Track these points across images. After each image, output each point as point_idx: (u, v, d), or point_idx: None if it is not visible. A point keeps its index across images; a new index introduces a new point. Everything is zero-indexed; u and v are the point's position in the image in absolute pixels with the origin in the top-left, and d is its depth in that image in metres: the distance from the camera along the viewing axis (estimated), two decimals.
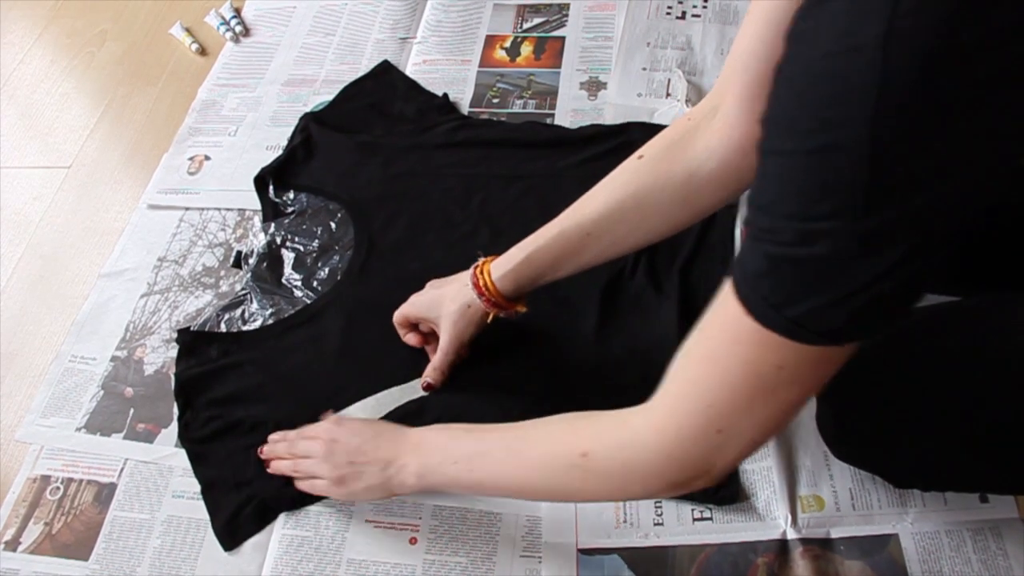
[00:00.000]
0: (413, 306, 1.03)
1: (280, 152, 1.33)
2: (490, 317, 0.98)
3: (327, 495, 0.93)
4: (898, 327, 0.52)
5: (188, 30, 1.60)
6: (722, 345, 0.57)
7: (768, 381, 0.56)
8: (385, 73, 1.45)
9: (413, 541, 0.95)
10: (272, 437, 0.98)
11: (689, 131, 0.83)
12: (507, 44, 1.48)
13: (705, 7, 1.48)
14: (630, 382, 1.00)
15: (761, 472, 0.95)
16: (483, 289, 0.95)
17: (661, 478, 0.65)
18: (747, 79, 0.75)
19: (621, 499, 0.82)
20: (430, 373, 1.02)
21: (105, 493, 1.03)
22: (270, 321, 1.13)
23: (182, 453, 1.04)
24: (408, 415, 1.02)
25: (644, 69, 1.39)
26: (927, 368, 0.76)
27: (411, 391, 1.04)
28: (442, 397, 1.03)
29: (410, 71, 1.46)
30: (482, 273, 0.95)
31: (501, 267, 0.94)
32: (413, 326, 1.06)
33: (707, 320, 0.59)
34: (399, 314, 1.05)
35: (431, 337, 1.05)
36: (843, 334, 0.52)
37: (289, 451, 0.95)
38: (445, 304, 0.99)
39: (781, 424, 0.61)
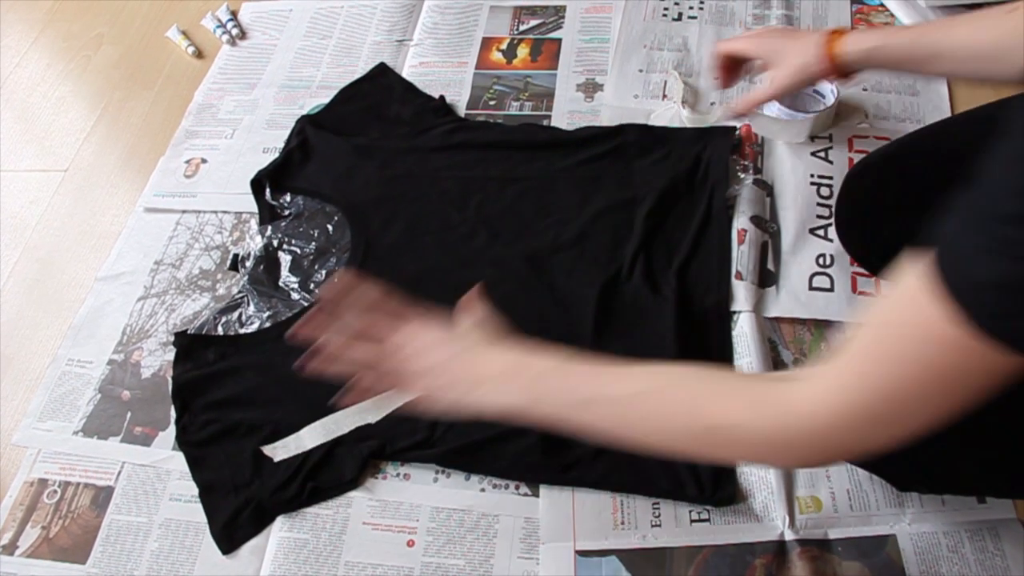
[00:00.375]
0: (756, 45, 1.05)
1: (277, 155, 1.33)
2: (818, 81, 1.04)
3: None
4: None
5: (184, 33, 1.60)
6: (912, 344, 0.55)
7: (951, 384, 0.54)
8: (381, 75, 1.44)
9: (411, 543, 0.95)
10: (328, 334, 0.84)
11: None
12: (504, 46, 1.48)
13: (701, 8, 1.48)
14: None
15: (758, 473, 0.95)
16: (833, 59, 0.96)
17: (816, 454, 0.63)
18: None
19: (750, 463, 0.80)
20: (744, 103, 1.08)
21: (102, 496, 1.03)
22: (267, 324, 1.13)
23: (179, 456, 1.04)
24: (406, 417, 1.02)
25: (640, 71, 1.39)
26: None
27: (408, 393, 1.03)
28: None
29: (406, 73, 1.45)
30: (832, 44, 0.96)
31: (854, 43, 0.95)
32: (730, 65, 1.08)
33: (890, 312, 0.57)
34: (736, 44, 1.06)
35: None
36: None
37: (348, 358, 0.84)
38: (790, 53, 1.01)
39: (939, 425, 0.58)
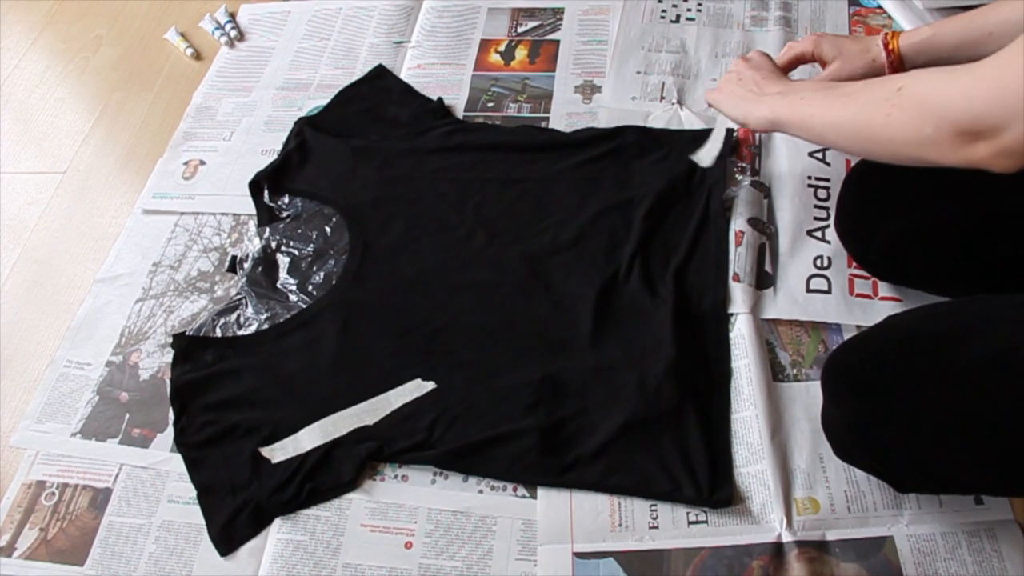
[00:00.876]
0: (820, 44, 1.11)
1: (275, 157, 1.33)
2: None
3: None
4: None
5: (183, 35, 1.60)
6: None
7: None
8: (380, 77, 1.45)
9: (408, 545, 0.96)
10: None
11: None
12: (502, 48, 1.48)
13: (699, 11, 1.49)
14: (627, 385, 1.01)
15: (756, 475, 0.96)
16: (892, 52, 1.03)
17: (956, 122, 0.70)
18: None
19: (912, 145, 0.79)
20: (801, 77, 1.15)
21: (100, 498, 1.03)
22: (265, 326, 1.13)
23: (178, 458, 1.04)
24: (404, 418, 1.02)
25: (639, 72, 1.39)
26: (935, 373, 0.76)
27: (406, 394, 1.04)
28: (439, 401, 1.03)
29: (405, 75, 1.46)
30: (892, 39, 1.03)
31: (908, 38, 1.03)
32: (791, 68, 1.15)
33: None
34: (801, 49, 1.13)
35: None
36: None
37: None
38: (851, 50, 1.08)
39: None
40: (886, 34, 1.04)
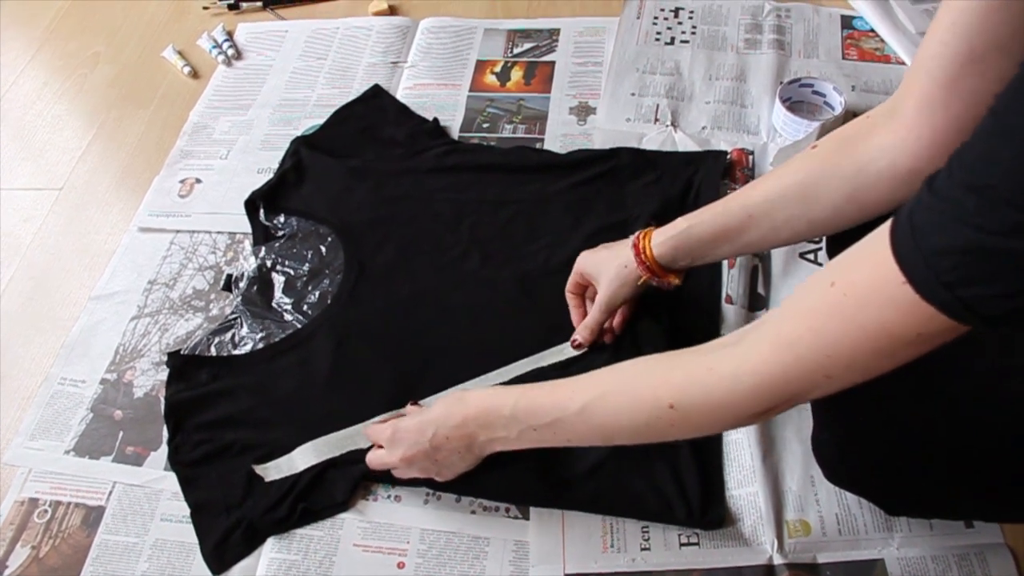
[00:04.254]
0: (582, 264, 1.06)
1: (271, 176, 1.34)
2: (641, 281, 1.00)
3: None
4: None
5: (180, 53, 1.61)
6: (863, 306, 0.56)
7: (899, 344, 0.56)
8: (376, 97, 1.45)
9: (401, 565, 0.96)
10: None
11: (865, 128, 0.82)
12: (497, 69, 1.49)
13: (694, 33, 1.50)
14: None
15: (747, 497, 0.96)
16: (641, 253, 0.97)
17: (750, 412, 0.67)
18: (929, 84, 0.74)
19: (711, 433, 0.82)
20: (580, 331, 1.06)
21: (93, 516, 1.03)
22: (260, 345, 1.13)
23: (171, 476, 1.04)
24: None
25: (633, 94, 1.41)
26: (925, 398, 0.77)
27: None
28: None
29: (401, 95, 1.46)
30: (643, 239, 0.97)
31: (661, 235, 0.96)
32: (581, 295, 1.10)
33: (845, 274, 0.58)
34: (574, 274, 1.07)
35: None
36: (1000, 321, 0.51)
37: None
38: (606, 263, 1.02)
39: (882, 373, 0.61)
40: (638, 235, 0.98)
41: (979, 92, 0.71)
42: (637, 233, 0.99)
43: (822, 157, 0.84)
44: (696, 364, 0.69)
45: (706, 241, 0.93)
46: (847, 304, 0.57)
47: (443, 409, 0.89)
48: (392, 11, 1.64)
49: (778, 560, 0.92)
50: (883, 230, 0.55)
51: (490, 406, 0.85)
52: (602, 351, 1.07)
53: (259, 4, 1.69)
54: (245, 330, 1.15)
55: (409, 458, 0.91)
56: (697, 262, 0.97)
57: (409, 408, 1.01)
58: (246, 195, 1.30)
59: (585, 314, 1.08)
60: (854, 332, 0.57)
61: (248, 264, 1.22)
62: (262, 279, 1.20)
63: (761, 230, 0.89)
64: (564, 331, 1.09)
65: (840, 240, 1.06)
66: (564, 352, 1.07)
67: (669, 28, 1.52)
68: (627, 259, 0.99)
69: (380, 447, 0.96)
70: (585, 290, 1.09)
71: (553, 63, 1.49)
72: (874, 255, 0.55)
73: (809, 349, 0.60)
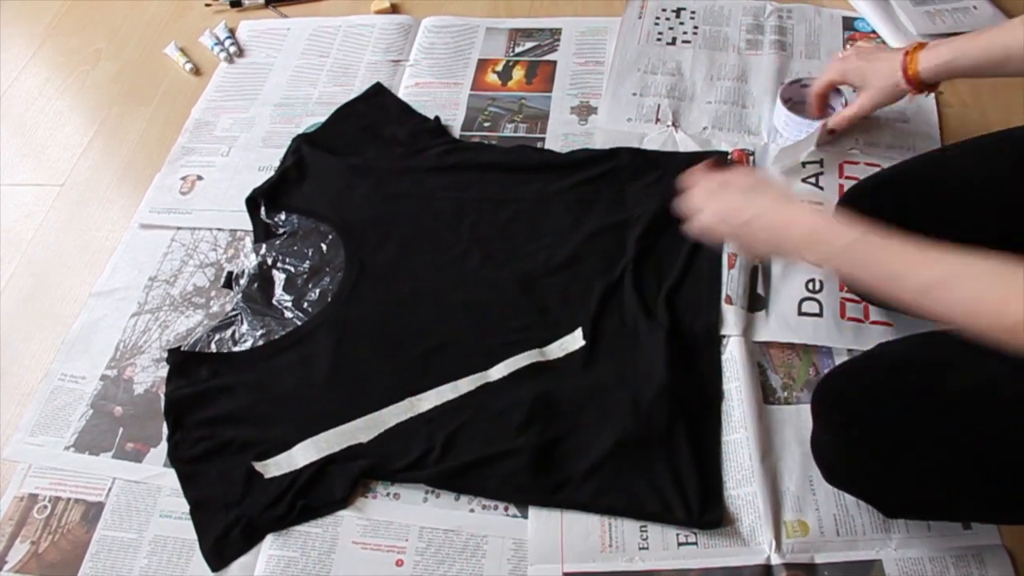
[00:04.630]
0: (843, 71, 1.18)
1: (272, 173, 1.34)
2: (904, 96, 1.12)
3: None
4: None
5: (182, 50, 1.61)
6: None
7: None
8: (377, 95, 1.46)
9: (399, 563, 0.96)
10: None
11: None
12: (499, 68, 1.49)
13: (695, 34, 1.50)
14: (619, 406, 1.01)
15: (746, 497, 0.96)
16: (907, 71, 1.08)
17: None
18: None
19: None
20: (837, 120, 1.22)
21: (92, 512, 1.03)
22: (260, 342, 1.13)
23: (170, 473, 1.04)
24: (398, 436, 1.03)
25: (634, 94, 1.41)
26: (923, 401, 0.77)
27: (400, 413, 1.04)
28: (432, 420, 1.04)
29: (402, 94, 1.47)
30: (911, 60, 1.08)
31: (928, 60, 1.06)
32: (824, 94, 1.24)
33: None
34: (828, 76, 1.21)
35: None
36: None
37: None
38: (874, 74, 1.14)
39: None
40: (906, 55, 1.08)
41: None
42: (902, 54, 1.09)
43: None
44: None
45: (968, 70, 1.04)
46: None
47: (771, 203, 0.86)
48: (394, 9, 1.64)
49: (776, 560, 0.92)
50: None
51: (818, 234, 0.81)
52: (595, 362, 1.07)
53: (261, 1, 1.69)
54: (245, 327, 1.15)
55: (722, 215, 0.89)
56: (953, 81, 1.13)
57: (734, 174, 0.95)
58: (247, 192, 1.30)
59: (824, 106, 1.25)
60: None
61: (249, 261, 1.22)
62: (263, 276, 1.20)
63: (1017, 68, 0.98)
64: (564, 329, 1.09)
65: None
66: (565, 347, 1.07)
67: (671, 28, 1.52)
68: (895, 77, 1.10)
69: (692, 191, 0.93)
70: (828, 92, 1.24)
71: (555, 62, 1.49)
72: None
73: None
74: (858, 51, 1.17)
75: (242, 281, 1.20)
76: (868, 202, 1.03)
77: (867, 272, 0.77)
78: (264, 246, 1.23)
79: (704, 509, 0.95)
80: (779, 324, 1.10)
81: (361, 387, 1.07)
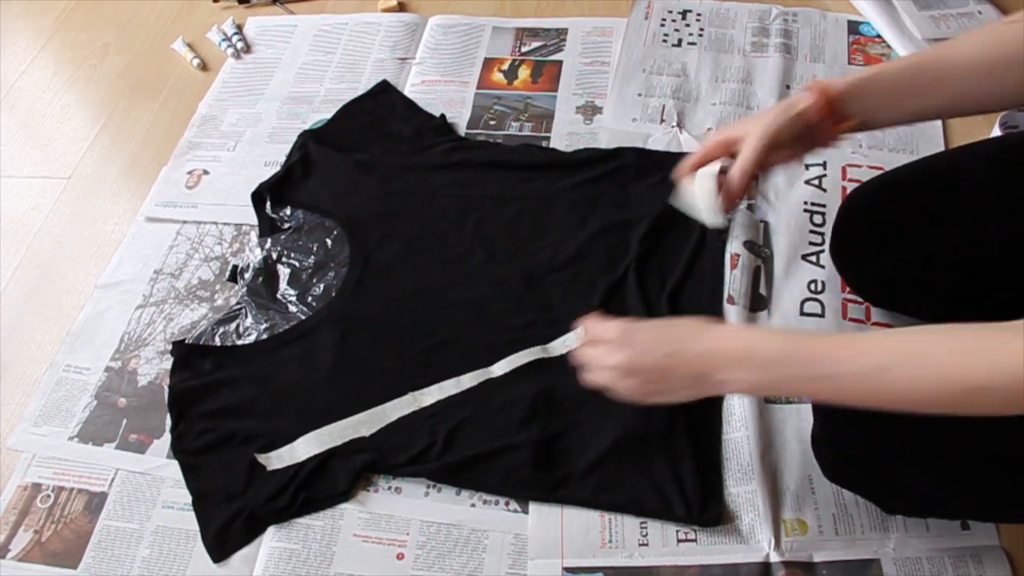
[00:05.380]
0: (728, 128, 0.93)
1: (278, 168, 1.34)
2: (806, 112, 0.88)
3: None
4: None
5: (190, 45, 1.62)
6: None
7: None
8: (383, 93, 1.46)
9: (400, 556, 0.96)
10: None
11: None
12: (505, 67, 1.50)
13: (701, 36, 1.50)
14: (621, 404, 1.01)
15: (745, 495, 0.97)
16: (819, 87, 0.87)
17: None
18: None
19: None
20: (736, 175, 0.90)
21: (96, 502, 1.03)
22: (264, 336, 1.14)
23: (173, 464, 1.05)
24: (400, 431, 1.03)
25: (639, 95, 1.41)
26: None
27: (402, 408, 1.05)
28: (434, 414, 1.04)
29: (408, 91, 1.47)
30: (822, 81, 0.88)
31: (845, 79, 0.87)
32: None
33: None
34: (715, 140, 0.94)
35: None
36: None
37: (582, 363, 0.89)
38: (764, 112, 0.91)
39: None
40: (814, 83, 0.88)
41: None
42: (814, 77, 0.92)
43: (1020, 29, 0.79)
44: (1005, 345, 0.62)
45: (889, 90, 0.86)
46: None
47: (689, 332, 0.81)
48: (401, 7, 1.64)
49: (775, 558, 0.92)
50: None
51: (748, 345, 0.77)
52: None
53: None
54: (249, 321, 1.16)
55: (635, 367, 0.82)
56: (872, 116, 0.88)
57: (634, 319, 0.88)
58: (253, 187, 1.30)
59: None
60: None
61: (254, 255, 1.23)
62: (267, 271, 1.21)
63: (947, 97, 0.85)
64: (566, 326, 1.09)
65: (846, 249, 1.07)
66: (567, 344, 1.07)
67: (677, 30, 1.52)
68: (797, 96, 0.89)
69: (593, 345, 0.87)
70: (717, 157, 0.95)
71: (560, 62, 1.50)
72: None
73: None
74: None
75: (247, 275, 1.20)
76: (872, 204, 1.04)
77: (809, 373, 0.73)
78: (269, 241, 1.24)
79: (704, 507, 0.95)
80: (781, 324, 1.10)
81: (364, 381, 1.08)
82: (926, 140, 1.29)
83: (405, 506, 1.00)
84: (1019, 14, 0.81)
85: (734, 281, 1.13)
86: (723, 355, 0.78)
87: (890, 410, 0.69)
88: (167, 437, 1.07)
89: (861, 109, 0.87)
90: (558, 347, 1.08)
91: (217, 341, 1.15)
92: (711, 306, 1.11)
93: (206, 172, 1.39)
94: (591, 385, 0.87)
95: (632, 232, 1.19)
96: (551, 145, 1.35)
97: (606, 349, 0.85)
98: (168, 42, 1.64)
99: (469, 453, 1.00)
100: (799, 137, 0.89)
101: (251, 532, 0.99)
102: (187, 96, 1.54)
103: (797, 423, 1.01)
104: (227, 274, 1.23)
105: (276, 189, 1.30)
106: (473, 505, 0.99)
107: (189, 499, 1.02)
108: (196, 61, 1.59)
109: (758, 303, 1.13)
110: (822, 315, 1.11)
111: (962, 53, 0.83)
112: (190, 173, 1.39)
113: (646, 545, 0.95)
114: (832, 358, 0.71)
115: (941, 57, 0.84)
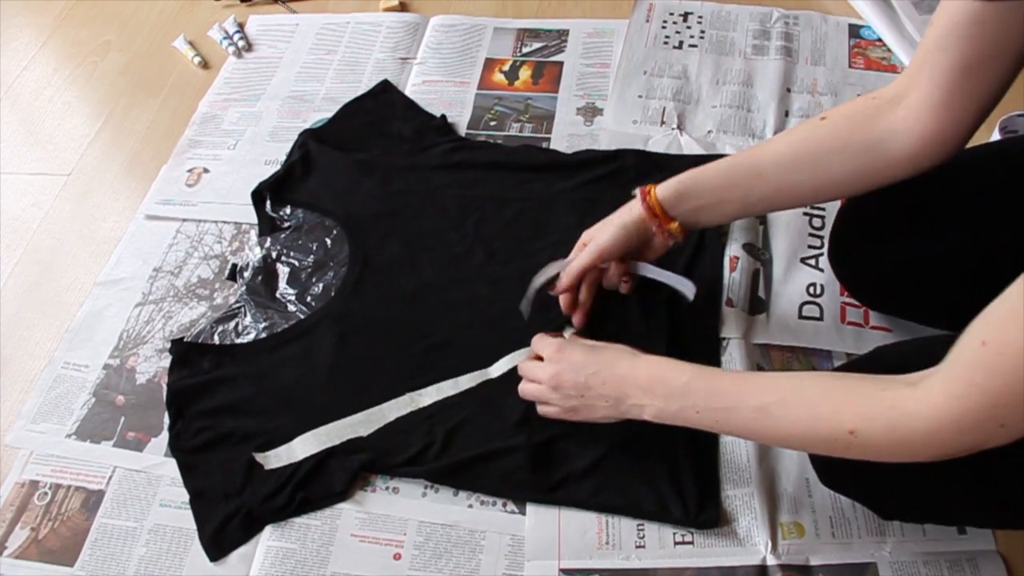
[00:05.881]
0: (584, 234, 1.05)
1: (278, 167, 1.34)
2: (641, 223, 0.99)
3: (560, 418, 0.96)
4: None
5: (191, 43, 1.62)
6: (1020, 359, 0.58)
7: None
8: (384, 92, 1.46)
9: (397, 557, 0.96)
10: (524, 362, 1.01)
11: (873, 109, 0.86)
12: (506, 68, 1.50)
13: (702, 38, 1.51)
14: None
15: (743, 498, 0.97)
16: (646, 195, 0.98)
17: (931, 453, 0.67)
18: (931, 86, 0.80)
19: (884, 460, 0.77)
20: (563, 277, 1.05)
21: (93, 500, 1.03)
22: (263, 335, 1.14)
23: (171, 462, 1.05)
24: (398, 431, 1.03)
25: (640, 97, 1.41)
26: None
27: (400, 408, 1.05)
28: (432, 415, 1.04)
29: (409, 91, 1.47)
30: (651, 190, 0.98)
31: (667, 185, 0.97)
32: (577, 288, 1.07)
33: (995, 334, 0.60)
34: (577, 250, 1.05)
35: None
36: None
37: (523, 381, 0.99)
38: (607, 219, 1.03)
39: None
40: (643, 189, 0.99)
41: (979, 94, 0.79)
42: (642, 188, 0.99)
43: (833, 130, 0.88)
44: (879, 397, 0.69)
45: (710, 190, 0.95)
46: (1005, 363, 0.58)
47: (614, 356, 0.90)
48: (403, 7, 1.65)
49: (771, 561, 0.92)
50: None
51: (660, 374, 0.86)
52: None
53: None
54: (248, 319, 1.16)
55: (559, 382, 0.92)
56: (698, 216, 0.98)
57: (574, 337, 1.01)
58: (253, 186, 1.30)
59: (569, 305, 1.07)
60: (1018, 386, 0.58)
61: (253, 254, 1.23)
62: (267, 269, 1.21)
63: (766, 191, 0.93)
64: (565, 328, 1.09)
65: (845, 252, 1.07)
66: None
67: (678, 32, 1.52)
68: (630, 205, 1.00)
69: (539, 358, 0.97)
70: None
71: (561, 63, 1.50)
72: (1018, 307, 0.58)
73: (977, 403, 0.61)
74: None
75: (246, 274, 1.20)
76: (870, 208, 1.04)
77: (707, 405, 0.81)
78: (269, 239, 1.24)
79: (701, 509, 0.95)
80: (779, 327, 1.11)
81: (362, 381, 1.08)
82: None
83: (402, 506, 1.00)
84: (829, 111, 0.90)
85: (733, 284, 1.13)
86: (635, 382, 0.87)
87: (781, 447, 0.82)
88: (165, 435, 1.07)
89: (684, 211, 0.97)
90: None
91: (216, 340, 1.15)
92: (710, 308, 1.11)
93: (206, 170, 1.39)
94: (523, 396, 0.98)
95: None
96: (551, 146, 1.36)
97: (540, 364, 0.95)
98: (169, 40, 1.64)
99: (467, 454, 1.01)
100: (645, 239, 1.02)
101: (248, 531, 0.99)
102: (188, 94, 1.54)
103: None
104: (226, 273, 1.23)
105: (276, 188, 1.30)
106: (470, 506, 0.99)
107: (186, 497, 1.02)
108: (197, 59, 1.59)
109: (757, 306, 1.13)
110: (820, 318, 1.11)
111: (773, 151, 0.92)
112: (190, 171, 1.39)
113: (643, 547, 0.95)
114: (736, 393, 0.80)
115: (755, 156, 0.93)
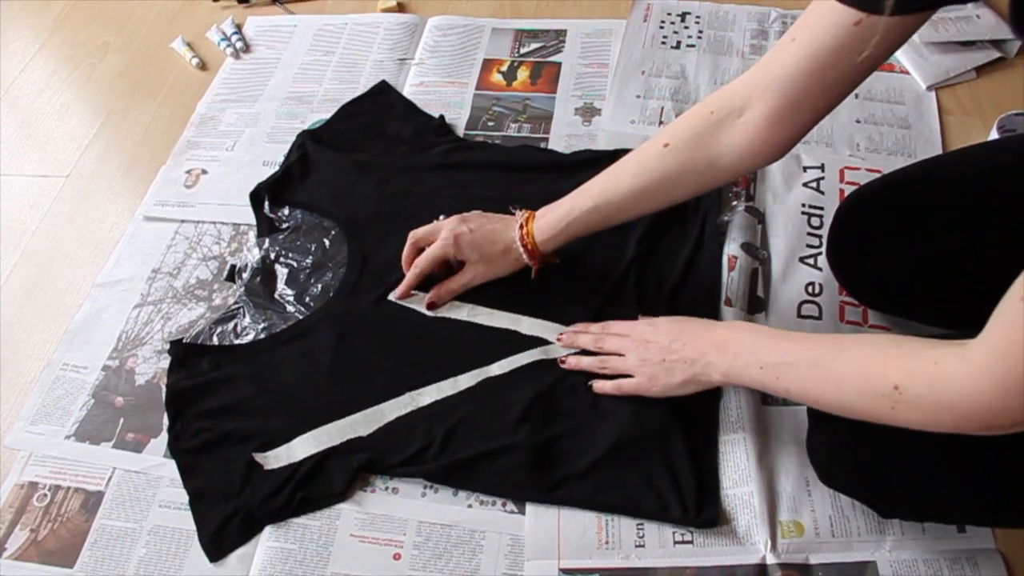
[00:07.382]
0: (459, 249, 1.10)
1: (276, 168, 1.34)
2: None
3: (635, 392, 1.00)
4: None
5: (189, 45, 1.62)
6: None
7: None
8: (382, 93, 1.46)
9: (397, 557, 0.96)
10: (573, 328, 1.08)
11: (712, 124, 0.91)
12: (504, 68, 1.50)
13: (700, 38, 1.51)
14: (617, 405, 1.02)
15: (742, 497, 0.97)
16: (526, 242, 1.07)
17: (974, 421, 0.66)
18: (779, 100, 0.84)
19: (931, 429, 0.75)
20: (439, 293, 1.13)
21: (92, 501, 1.03)
22: (262, 335, 1.14)
23: (170, 463, 1.04)
24: (398, 431, 1.03)
25: (638, 97, 1.41)
26: None
27: (399, 408, 1.05)
28: (432, 415, 1.04)
29: (407, 92, 1.47)
30: (526, 230, 1.07)
31: (544, 232, 1.06)
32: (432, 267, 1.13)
33: None
34: (440, 250, 1.10)
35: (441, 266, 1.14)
36: None
37: (596, 345, 1.04)
38: (485, 246, 1.10)
39: None
40: (521, 227, 1.07)
41: (821, 108, 0.85)
42: (519, 220, 1.08)
43: (677, 157, 0.94)
44: (925, 354, 0.70)
45: (581, 228, 1.04)
46: None
47: (696, 322, 0.99)
48: (401, 8, 1.65)
49: (771, 560, 0.92)
50: None
51: (734, 333, 0.92)
52: (577, 375, 1.06)
53: None
54: (247, 320, 1.16)
55: (646, 350, 0.98)
56: (557, 246, 1.08)
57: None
58: (251, 187, 1.30)
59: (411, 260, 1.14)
60: None
61: (252, 255, 1.23)
62: (265, 270, 1.21)
63: (624, 218, 1.03)
64: (565, 326, 1.09)
65: (843, 251, 1.07)
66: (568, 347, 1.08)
67: (676, 32, 1.52)
68: (511, 248, 1.09)
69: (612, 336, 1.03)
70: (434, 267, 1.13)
71: (559, 64, 1.50)
72: None
73: (1019, 362, 0.60)
74: (464, 219, 1.11)
75: (245, 275, 1.20)
76: (869, 207, 1.04)
77: (770, 360, 0.85)
78: (267, 240, 1.24)
79: (700, 508, 0.95)
80: (778, 326, 1.10)
81: (361, 381, 1.08)
82: (923, 144, 1.29)
83: (402, 506, 1.00)
84: (668, 134, 0.95)
85: (731, 283, 1.13)
86: (713, 341, 0.93)
87: (833, 409, 0.79)
88: (164, 436, 1.07)
89: (551, 245, 1.07)
90: (556, 349, 1.08)
91: (215, 340, 1.15)
92: (708, 308, 1.11)
93: (204, 171, 1.39)
94: (608, 351, 1.03)
95: (630, 234, 1.18)
96: (550, 146, 1.36)
97: (624, 337, 1.02)
98: (167, 41, 1.64)
99: (466, 454, 1.00)
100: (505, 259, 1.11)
101: (248, 532, 0.99)
102: (186, 95, 1.54)
103: (794, 425, 1.01)
104: (225, 274, 1.23)
105: (274, 189, 1.30)
106: (470, 506, 0.99)
107: (186, 498, 1.01)
108: (195, 60, 1.59)
109: (755, 305, 1.13)
110: (819, 317, 1.11)
111: (628, 189, 0.99)
112: (189, 172, 1.39)
113: (643, 546, 0.95)
114: (796, 347, 0.83)
115: (613, 198, 1.00)
